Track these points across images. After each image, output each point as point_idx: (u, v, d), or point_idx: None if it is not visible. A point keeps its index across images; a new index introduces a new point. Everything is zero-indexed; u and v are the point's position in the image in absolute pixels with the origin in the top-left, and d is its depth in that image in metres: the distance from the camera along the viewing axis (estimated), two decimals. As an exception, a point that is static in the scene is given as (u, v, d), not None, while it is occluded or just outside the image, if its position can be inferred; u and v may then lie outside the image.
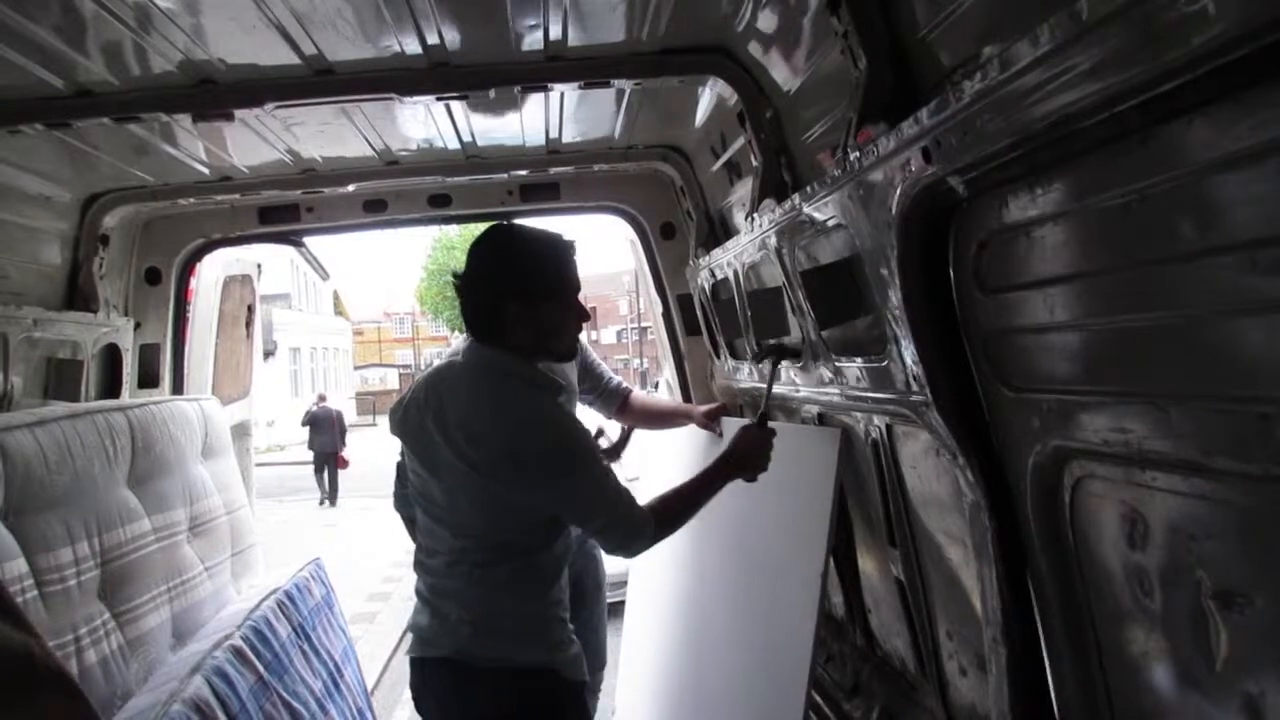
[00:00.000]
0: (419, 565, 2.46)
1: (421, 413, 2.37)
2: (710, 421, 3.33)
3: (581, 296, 2.48)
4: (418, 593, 2.47)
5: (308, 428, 16.61)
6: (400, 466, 2.56)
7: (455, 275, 2.40)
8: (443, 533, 2.36)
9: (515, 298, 2.30)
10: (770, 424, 2.72)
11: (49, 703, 0.80)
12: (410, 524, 2.60)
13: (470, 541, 2.32)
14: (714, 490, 2.54)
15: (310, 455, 16.48)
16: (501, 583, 2.30)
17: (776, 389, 2.99)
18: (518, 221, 3.14)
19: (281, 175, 3.71)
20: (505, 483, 2.25)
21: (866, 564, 2.87)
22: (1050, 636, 1.71)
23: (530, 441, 2.24)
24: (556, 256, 2.40)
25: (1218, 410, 1.15)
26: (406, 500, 2.55)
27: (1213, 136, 1.04)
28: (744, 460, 2.62)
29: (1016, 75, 1.21)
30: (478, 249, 2.39)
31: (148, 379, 4.12)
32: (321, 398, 18.08)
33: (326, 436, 15.91)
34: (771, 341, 2.96)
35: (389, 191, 4.01)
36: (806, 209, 2.16)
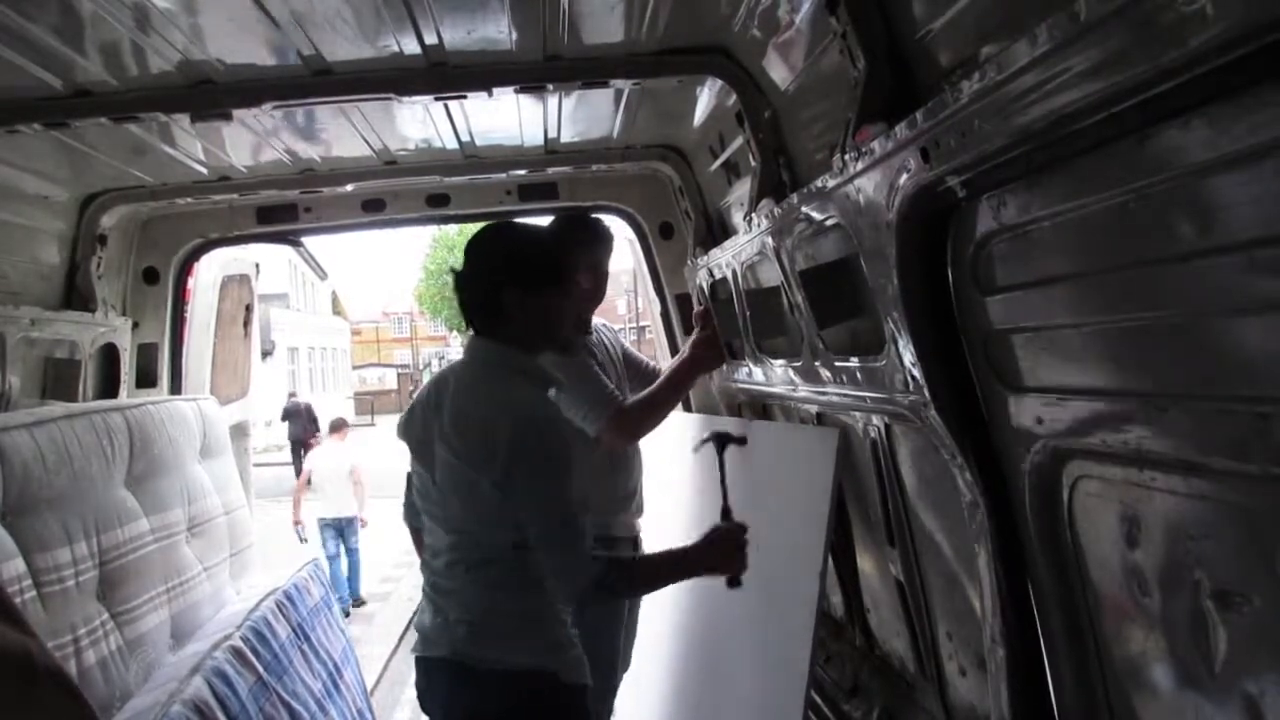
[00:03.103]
0: (425, 565, 2.49)
1: (424, 411, 2.43)
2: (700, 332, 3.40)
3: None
4: (423, 591, 2.50)
5: (286, 421, 20.79)
6: (409, 477, 2.58)
7: (454, 271, 2.42)
8: (440, 531, 2.38)
9: (511, 284, 2.33)
10: (737, 518, 2.66)
11: (48, 704, 0.80)
12: (417, 535, 2.62)
13: (464, 540, 2.32)
14: (675, 576, 2.56)
15: (289, 442, 20.71)
16: (497, 582, 2.30)
17: (774, 388, 2.99)
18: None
19: (280, 175, 3.71)
20: (478, 469, 2.25)
21: (865, 564, 2.87)
22: (1049, 636, 1.71)
23: (501, 429, 2.24)
24: (552, 244, 2.46)
25: (1216, 410, 1.15)
26: (415, 511, 2.57)
27: (1210, 137, 1.04)
28: (712, 558, 2.51)
29: (1014, 75, 1.21)
30: (475, 244, 2.44)
31: (145, 379, 4.11)
32: (292, 394, 22.62)
33: (298, 425, 19.50)
34: (714, 431, 3.05)
35: (387, 191, 4.00)
36: (805, 209, 2.17)
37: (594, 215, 3.58)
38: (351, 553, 9.42)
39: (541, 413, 2.31)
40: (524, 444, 2.22)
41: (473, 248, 2.42)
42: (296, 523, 9.20)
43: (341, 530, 9.26)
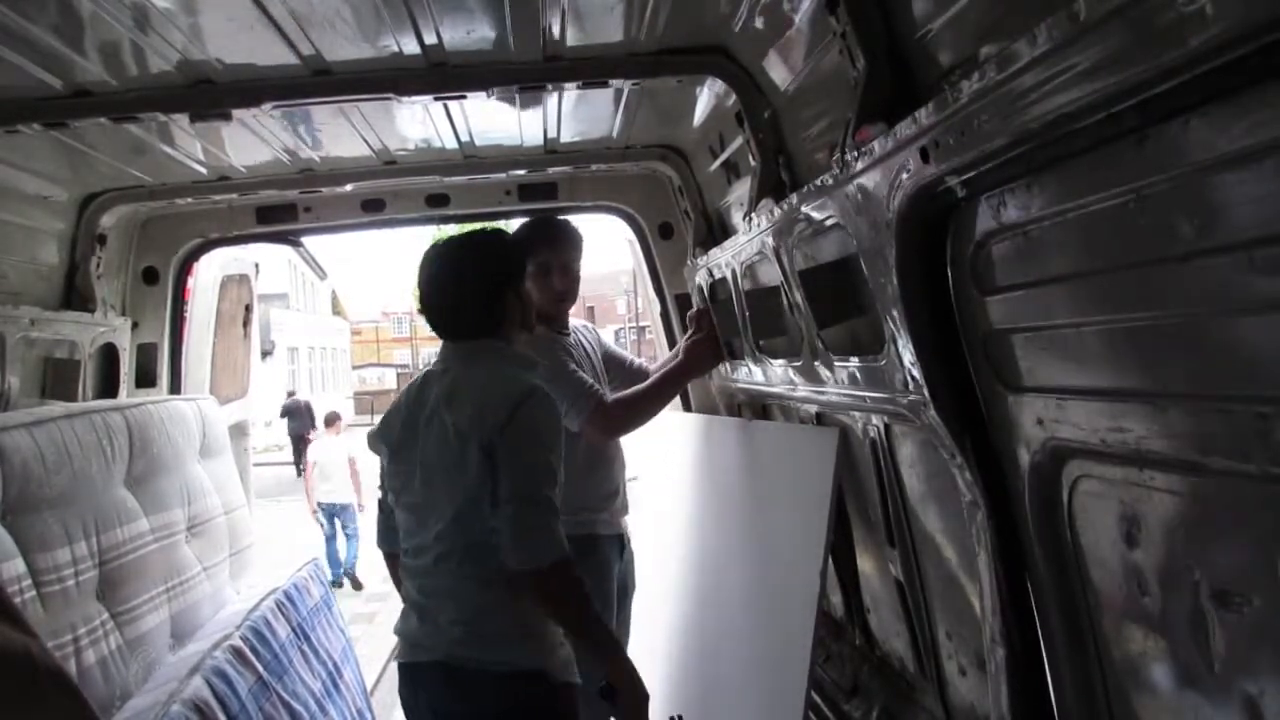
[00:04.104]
0: (405, 569, 2.48)
1: (405, 409, 2.48)
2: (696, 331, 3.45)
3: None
4: (405, 598, 2.47)
5: (285, 417, 22.18)
6: (380, 503, 2.60)
7: (444, 280, 2.52)
8: (425, 526, 2.37)
9: (510, 283, 2.50)
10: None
11: (48, 703, 0.80)
12: (392, 560, 2.63)
13: (451, 527, 2.32)
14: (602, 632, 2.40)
15: (289, 438, 22.27)
16: (489, 580, 2.29)
17: (774, 388, 3.00)
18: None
19: (279, 175, 3.70)
20: (471, 431, 2.28)
21: (865, 564, 2.87)
22: (1049, 636, 1.71)
23: (500, 394, 2.31)
24: (516, 238, 2.81)
25: (1216, 409, 1.15)
26: (391, 537, 2.58)
27: (1210, 137, 1.04)
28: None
29: (1014, 75, 1.21)
30: (464, 254, 2.53)
31: (145, 379, 4.11)
32: (291, 393, 24.67)
33: (298, 422, 20.88)
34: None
35: (387, 191, 4.01)
36: (804, 209, 2.16)
37: (563, 218, 3.62)
38: (350, 537, 10.64)
39: (540, 388, 2.37)
40: (521, 410, 2.28)
41: (461, 260, 2.50)
42: (314, 511, 10.56)
43: (336, 514, 10.53)
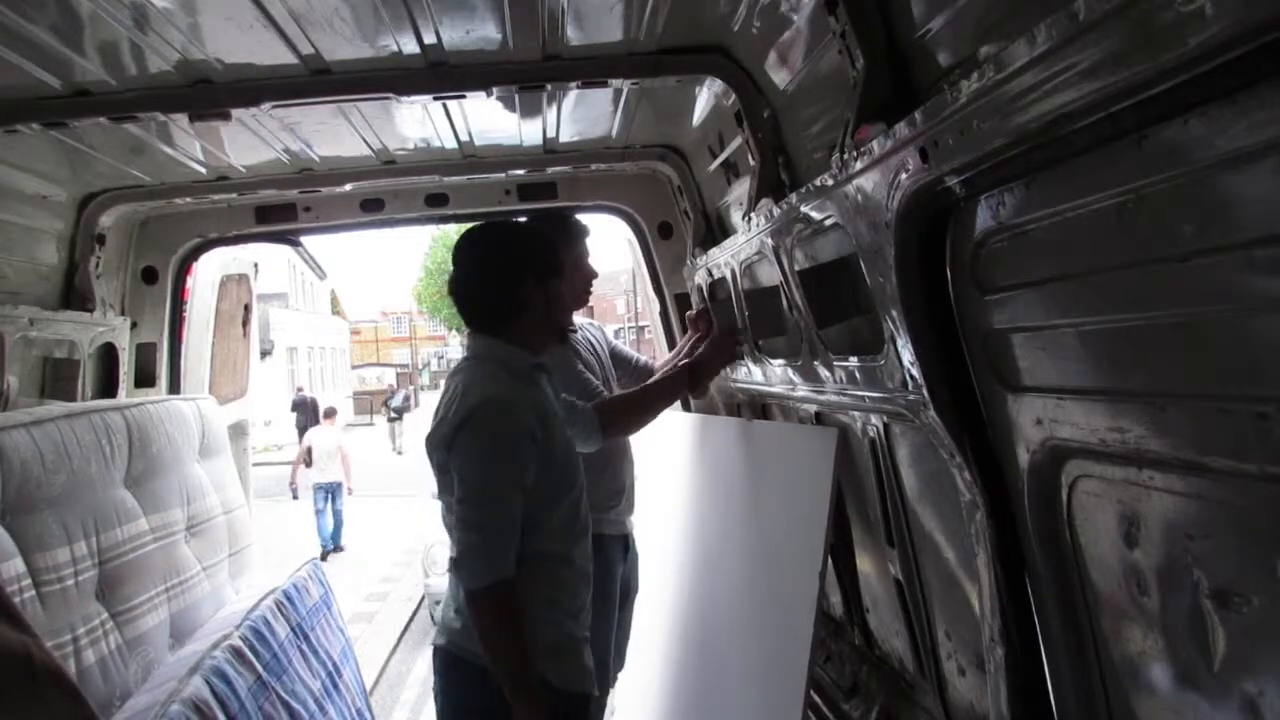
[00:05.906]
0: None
1: (436, 420, 2.49)
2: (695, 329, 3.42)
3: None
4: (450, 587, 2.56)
5: (295, 412, 23.90)
6: None
7: (462, 269, 2.47)
8: (448, 534, 2.42)
9: (531, 277, 2.41)
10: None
11: (47, 703, 0.80)
12: None
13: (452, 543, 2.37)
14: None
15: (297, 430, 23.60)
16: None
17: (773, 388, 3.00)
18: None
19: (279, 175, 3.71)
20: (437, 453, 2.30)
21: (864, 563, 2.87)
22: (1048, 635, 1.71)
23: (455, 412, 2.29)
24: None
25: (1215, 409, 1.15)
26: None
27: (1208, 137, 1.04)
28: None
29: (1013, 75, 1.21)
30: (482, 241, 2.49)
31: (144, 378, 4.12)
32: (299, 389, 26.79)
33: (304, 416, 22.44)
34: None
35: (386, 191, 4.01)
36: (804, 209, 2.17)
37: (573, 215, 3.61)
38: (337, 513, 12.80)
39: (497, 399, 2.30)
40: (461, 432, 2.26)
41: (481, 247, 2.47)
42: (292, 484, 13.14)
43: (330, 493, 12.62)
